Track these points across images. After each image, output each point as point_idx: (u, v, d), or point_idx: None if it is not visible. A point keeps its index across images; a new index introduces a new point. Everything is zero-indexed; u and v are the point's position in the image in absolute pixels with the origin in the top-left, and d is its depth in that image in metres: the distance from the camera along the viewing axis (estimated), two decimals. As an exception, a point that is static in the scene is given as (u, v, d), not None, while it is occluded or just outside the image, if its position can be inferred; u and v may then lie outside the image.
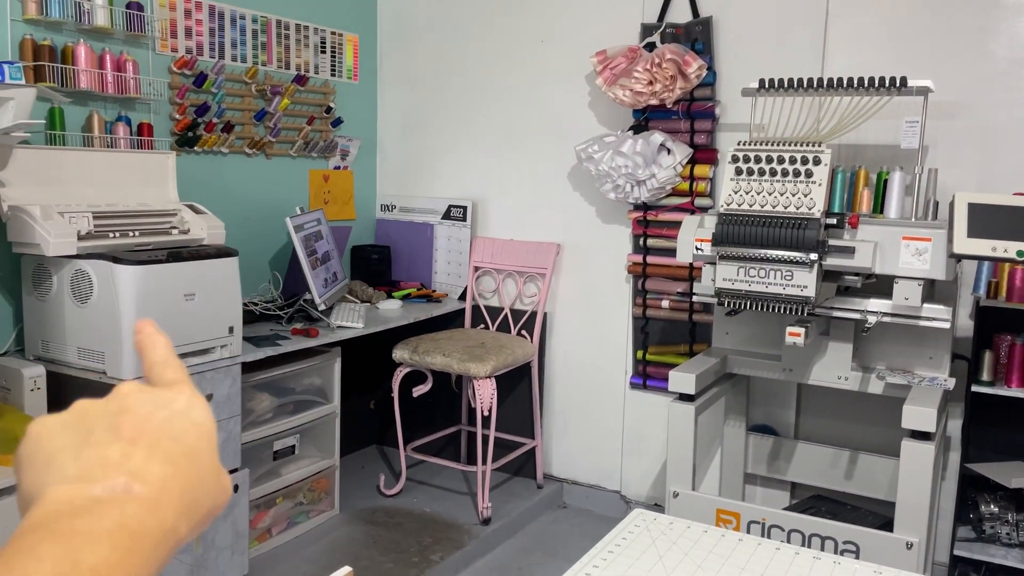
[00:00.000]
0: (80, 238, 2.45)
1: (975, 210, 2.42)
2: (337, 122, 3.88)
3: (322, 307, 3.20)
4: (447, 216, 3.99)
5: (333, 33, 3.86)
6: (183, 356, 2.53)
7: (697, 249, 2.73)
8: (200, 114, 3.20)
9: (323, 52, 3.81)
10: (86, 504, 0.40)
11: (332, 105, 3.84)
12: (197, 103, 3.20)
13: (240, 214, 3.40)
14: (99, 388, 2.42)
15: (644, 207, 3.48)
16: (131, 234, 2.61)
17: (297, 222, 3.18)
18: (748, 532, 2.63)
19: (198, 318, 2.57)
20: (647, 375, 3.59)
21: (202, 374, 2.59)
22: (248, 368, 2.81)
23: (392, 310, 3.61)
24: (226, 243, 2.81)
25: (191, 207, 2.85)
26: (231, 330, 2.69)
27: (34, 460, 0.44)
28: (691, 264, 3.28)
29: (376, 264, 4.01)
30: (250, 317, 3.13)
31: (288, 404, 3.16)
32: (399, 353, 3.48)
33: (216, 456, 0.47)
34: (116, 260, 2.39)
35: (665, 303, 3.49)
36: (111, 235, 2.55)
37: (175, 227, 2.75)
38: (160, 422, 0.45)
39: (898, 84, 2.62)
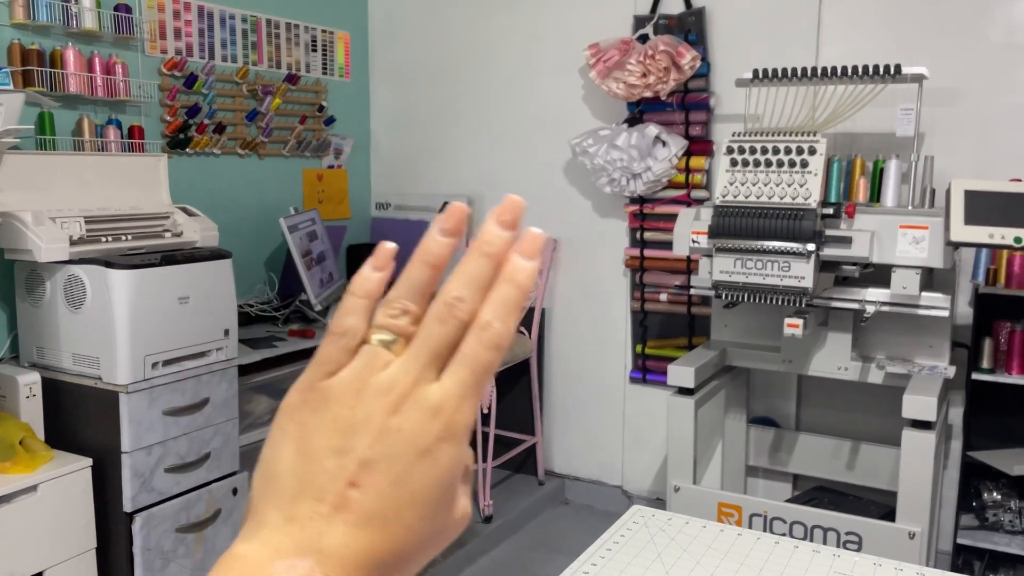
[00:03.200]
0: (72, 243, 2.44)
1: (972, 197, 2.40)
2: (330, 121, 3.86)
3: (318, 308, 3.18)
4: (443, 212, 3.97)
5: (324, 31, 3.84)
6: (178, 360, 2.52)
7: (694, 242, 2.72)
8: (191, 115, 3.19)
9: (314, 50, 3.79)
10: None
11: (324, 104, 3.83)
12: (188, 104, 3.18)
13: (234, 216, 3.39)
14: (94, 394, 2.41)
15: (640, 200, 3.46)
16: (124, 238, 2.59)
17: (291, 222, 3.16)
18: (750, 525, 2.62)
19: (193, 321, 2.55)
20: (646, 369, 3.57)
21: (198, 377, 2.58)
22: (245, 371, 2.79)
23: (389, 309, 3.59)
24: (220, 245, 2.79)
25: (184, 209, 2.84)
26: (227, 333, 2.67)
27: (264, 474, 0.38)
28: (688, 257, 3.26)
29: (372, 263, 3.99)
30: (246, 319, 3.12)
31: (286, 405, 3.14)
32: (397, 352, 3.47)
33: (452, 483, 0.38)
34: (109, 264, 2.37)
35: (663, 296, 3.48)
36: (104, 239, 2.54)
37: (168, 230, 2.74)
38: (388, 447, 0.36)
39: (892, 72, 2.60)
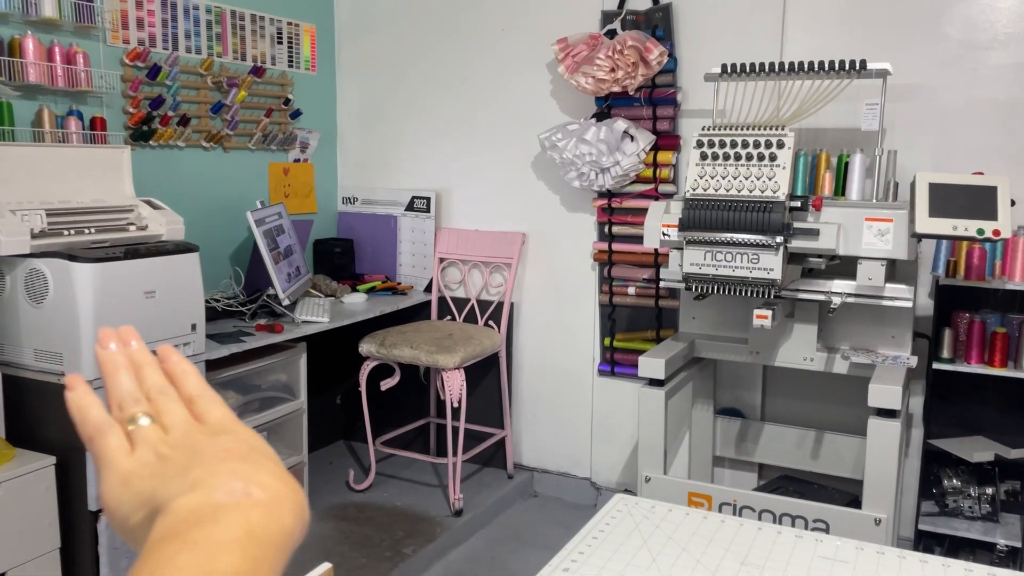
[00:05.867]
0: (33, 236, 2.37)
1: (936, 190, 2.46)
2: (296, 114, 3.81)
3: (286, 302, 3.15)
4: (410, 208, 3.96)
5: (289, 23, 3.79)
6: (145, 355, 2.46)
7: (664, 235, 2.74)
8: (155, 107, 3.12)
9: (280, 43, 3.74)
10: (212, 512, 0.43)
11: (290, 97, 3.78)
12: (151, 96, 3.12)
13: (199, 209, 3.33)
14: (57, 390, 2.35)
15: (609, 195, 3.48)
16: (87, 231, 2.53)
17: (258, 216, 3.12)
18: (720, 513, 2.65)
19: (159, 316, 2.51)
20: (615, 362, 3.60)
21: (165, 373, 2.52)
22: (212, 366, 2.75)
23: (357, 304, 3.57)
24: (186, 239, 2.74)
25: (148, 203, 2.78)
26: (194, 327, 2.63)
27: (138, 494, 0.47)
28: (656, 250, 3.29)
29: (339, 257, 3.96)
30: (212, 314, 3.07)
31: (254, 401, 3.10)
32: (366, 347, 3.44)
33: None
34: (72, 258, 2.31)
35: (631, 290, 3.51)
36: (66, 232, 2.48)
37: (132, 223, 2.68)
38: (248, 447, 0.49)
39: (857, 67, 2.65)
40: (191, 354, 2.61)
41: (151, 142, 3.15)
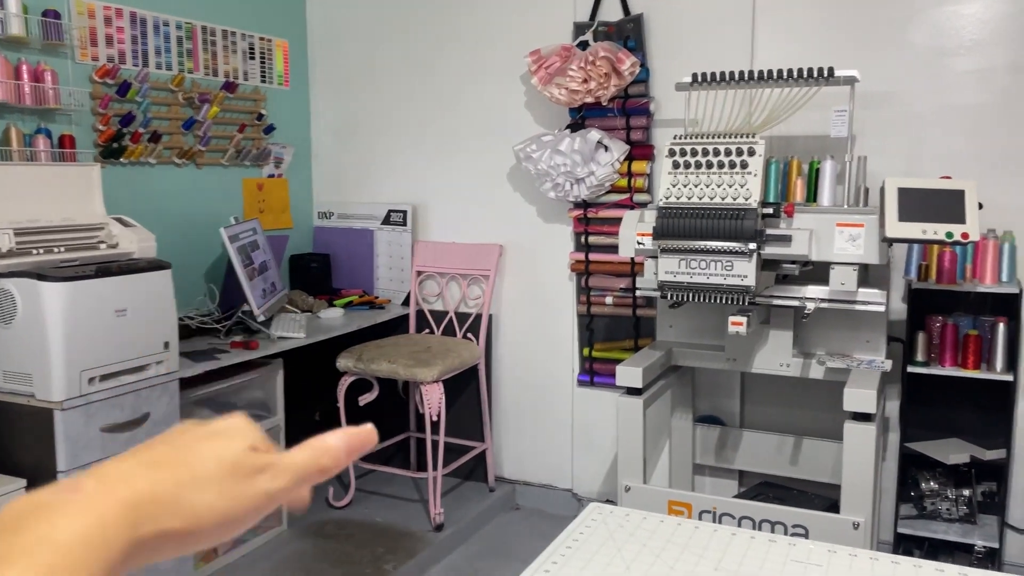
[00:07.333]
0: (1, 256, 2.34)
1: (905, 194, 2.48)
2: (269, 129, 3.80)
3: (261, 318, 3.12)
4: (387, 221, 3.95)
5: (262, 39, 3.78)
6: (116, 374, 2.44)
7: (639, 244, 2.75)
8: (125, 124, 3.10)
9: (252, 58, 3.72)
10: (23, 512, 0.37)
11: (264, 112, 3.76)
12: (121, 113, 3.10)
13: (172, 226, 3.30)
14: (27, 412, 2.31)
15: (584, 205, 3.49)
16: (56, 250, 2.51)
17: (232, 232, 3.10)
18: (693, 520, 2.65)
19: (131, 334, 2.48)
20: (594, 372, 3.60)
21: (137, 392, 2.50)
22: (187, 384, 2.72)
23: (334, 318, 3.55)
24: (158, 256, 2.72)
25: (119, 220, 2.75)
26: (167, 345, 2.60)
27: None
28: (633, 259, 3.30)
29: (316, 272, 3.93)
30: (187, 332, 3.04)
31: (230, 419, 3.06)
32: (343, 362, 3.42)
33: (231, 491, 0.44)
34: (41, 277, 2.28)
35: (609, 299, 3.51)
36: (34, 252, 2.45)
37: (103, 241, 2.65)
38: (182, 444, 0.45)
39: (826, 74, 2.68)
40: (164, 372, 2.59)
41: (122, 159, 3.12)
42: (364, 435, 0.50)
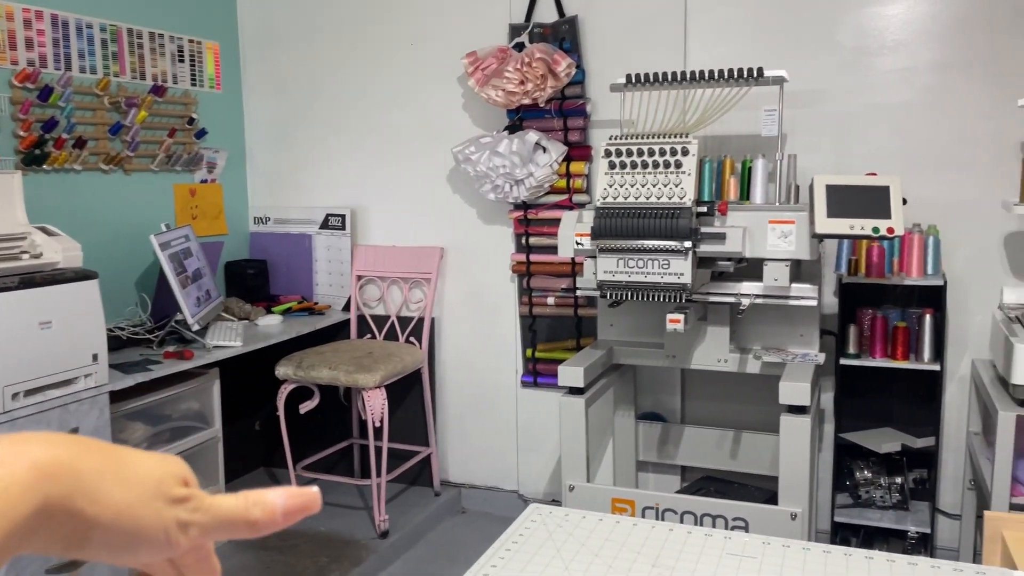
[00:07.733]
0: (-86, 268, 2.24)
1: (833, 191, 2.55)
2: (201, 133, 3.71)
3: (196, 327, 3.05)
4: (325, 225, 3.89)
5: (191, 41, 3.69)
6: (42, 389, 2.35)
7: (577, 244, 2.76)
8: (47, 130, 2.99)
9: (181, 61, 3.63)
10: None
11: (195, 116, 3.68)
12: (43, 118, 2.99)
13: (100, 235, 3.20)
14: (-53, 431, 2.21)
15: (524, 206, 3.49)
16: (-25, 261, 2.40)
17: (163, 239, 3.02)
18: (643, 517, 2.67)
19: (56, 347, 2.39)
20: (537, 372, 3.60)
21: (65, 407, 2.42)
22: (117, 397, 2.64)
23: (272, 326, 3.49)
24: (85, 266, 2.63)
25: (43, 229, 2.66)
26: (95, 358, 2.52)
27: None
28: (573, 259, 3.31)
29: (252, 279, 3.86)
30: (117, 343, 2.95)
31: (164, 432, 2.99)
32: (282, 369, 3.36)
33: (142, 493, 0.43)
34: (-42, 290, 2.19)
35: (551, 300, 3.52)
36: (-49, 263, 2.35)
37: (25, 251, 2.55)
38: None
39: (755, 75, 2.73)
40: (93, 386, 2.50)
41: (45, 166, 3.02)
42: (307, 497, 0.47)
